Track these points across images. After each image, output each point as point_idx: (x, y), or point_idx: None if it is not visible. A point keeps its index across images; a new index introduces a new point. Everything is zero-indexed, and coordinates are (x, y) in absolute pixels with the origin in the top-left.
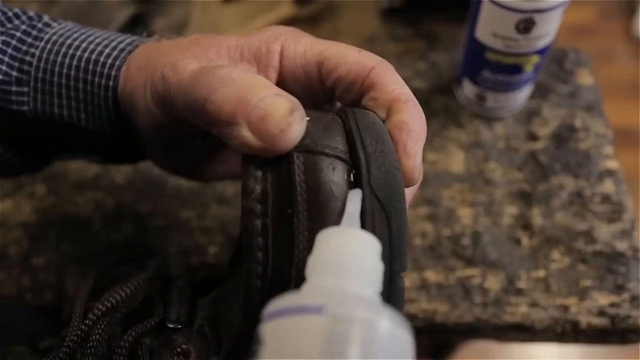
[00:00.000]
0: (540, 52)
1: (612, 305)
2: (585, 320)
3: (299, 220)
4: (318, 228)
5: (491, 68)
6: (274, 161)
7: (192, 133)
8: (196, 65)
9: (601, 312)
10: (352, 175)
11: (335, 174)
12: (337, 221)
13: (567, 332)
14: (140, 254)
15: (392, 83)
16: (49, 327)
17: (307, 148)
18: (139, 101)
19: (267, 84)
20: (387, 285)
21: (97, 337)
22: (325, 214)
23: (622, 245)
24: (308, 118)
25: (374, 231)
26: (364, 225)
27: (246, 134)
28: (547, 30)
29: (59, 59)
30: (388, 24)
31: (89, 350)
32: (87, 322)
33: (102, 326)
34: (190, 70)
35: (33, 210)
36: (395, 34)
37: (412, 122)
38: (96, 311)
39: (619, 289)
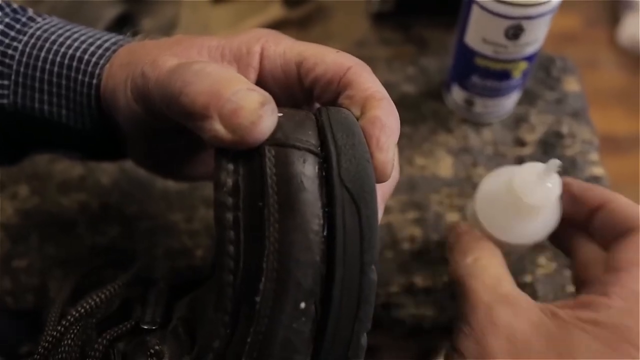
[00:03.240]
0: (529, 58)
1: None
2: None
3: (269, 212)
4: (289, 220)
5: (480, 73)
6: (245, 154)
7: (171, 130)
8: (175, 62)
9: None
10: (323, 168)
11: (306, 167)
12: (306, 212)
13: None
14: (122, 258)
15: (367, 82)
16: (29, 332)
17: (279, 141)
18: (120, 98)
19: (241, 79)
20: (358, 277)
21: (70, 342)
22: (296, 206)
23: None
24: (281, 114)
25: (344, 223)
26: (334, 217)
27: (218, 127)
28: (536, 37)
29: (42, 54)
30: (378, 28)
31: (60, 356)
32: (59, 328)
33: (75, 331)
34: (168, 66)
35: (15, 211)
36: (385, 38)
37: (385, 117)
38: (69, 317)
39: None
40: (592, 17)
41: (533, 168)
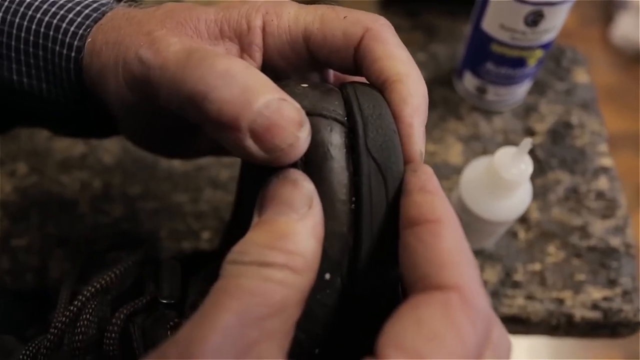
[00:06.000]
0: (545, 46)
1: (605, 299)
2: (579, 313)
3: None
4: (316, 187)
5: (495, 60)
6: None
7: (172, 114)
8: (179, 46)
9: (594, 306)
10: (349, 138)
11: (333, 135)
12: (333, 181)
13: (561, 325)
14: (127, 241)
15: (380, 59)
16: (31, 315)
17: (306, 110)
18: (110, 83)
19: (269, 84)
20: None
21: (88, 316)
22: (323, 174)
23: (615, 241)
24: (307, 85)
25: (370, 192)
26: (360, 187)
27: (249, 144)
28: (554, 25)
29: (17, 20)
30: (386, 14)
31: (78, 330)
32: (76, 303)
33: (92, 308)
34: (173, 52)
35: (14, 189)
36: (394, 24)
37: (410, 98)
38: (85, 292)
39: (612, 283)
40: (586, 16)
41: (509, 149)
